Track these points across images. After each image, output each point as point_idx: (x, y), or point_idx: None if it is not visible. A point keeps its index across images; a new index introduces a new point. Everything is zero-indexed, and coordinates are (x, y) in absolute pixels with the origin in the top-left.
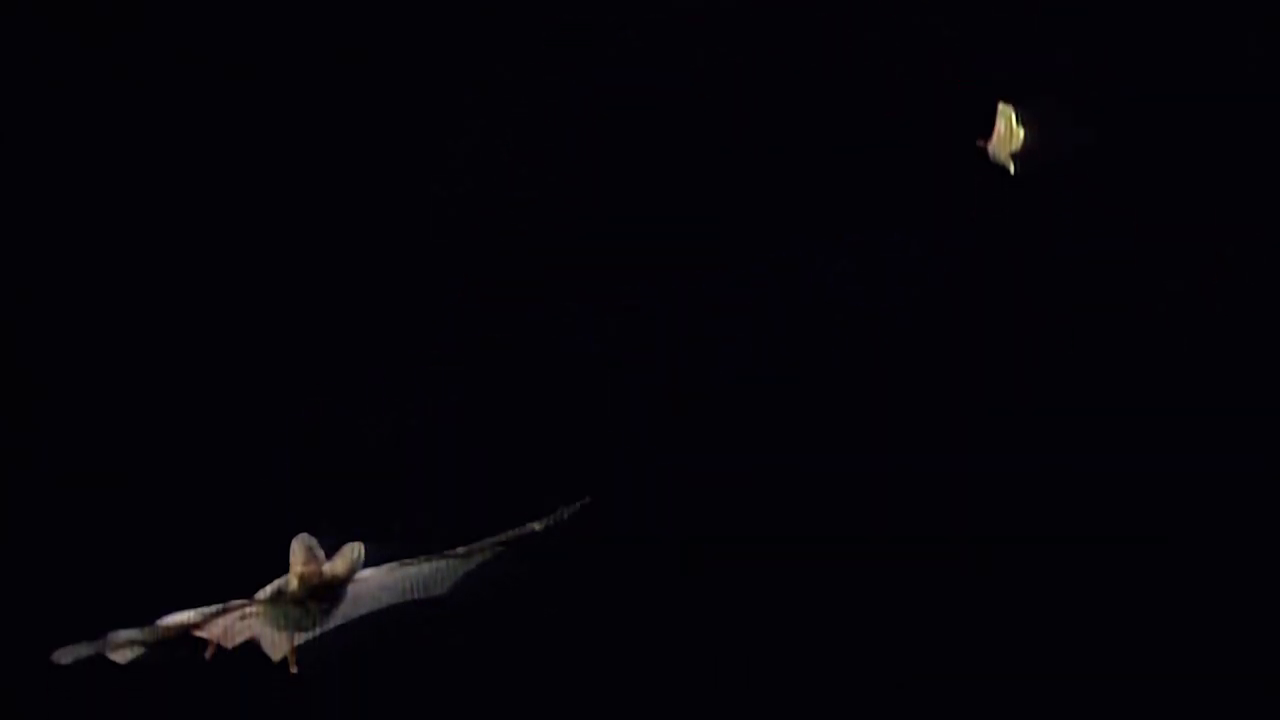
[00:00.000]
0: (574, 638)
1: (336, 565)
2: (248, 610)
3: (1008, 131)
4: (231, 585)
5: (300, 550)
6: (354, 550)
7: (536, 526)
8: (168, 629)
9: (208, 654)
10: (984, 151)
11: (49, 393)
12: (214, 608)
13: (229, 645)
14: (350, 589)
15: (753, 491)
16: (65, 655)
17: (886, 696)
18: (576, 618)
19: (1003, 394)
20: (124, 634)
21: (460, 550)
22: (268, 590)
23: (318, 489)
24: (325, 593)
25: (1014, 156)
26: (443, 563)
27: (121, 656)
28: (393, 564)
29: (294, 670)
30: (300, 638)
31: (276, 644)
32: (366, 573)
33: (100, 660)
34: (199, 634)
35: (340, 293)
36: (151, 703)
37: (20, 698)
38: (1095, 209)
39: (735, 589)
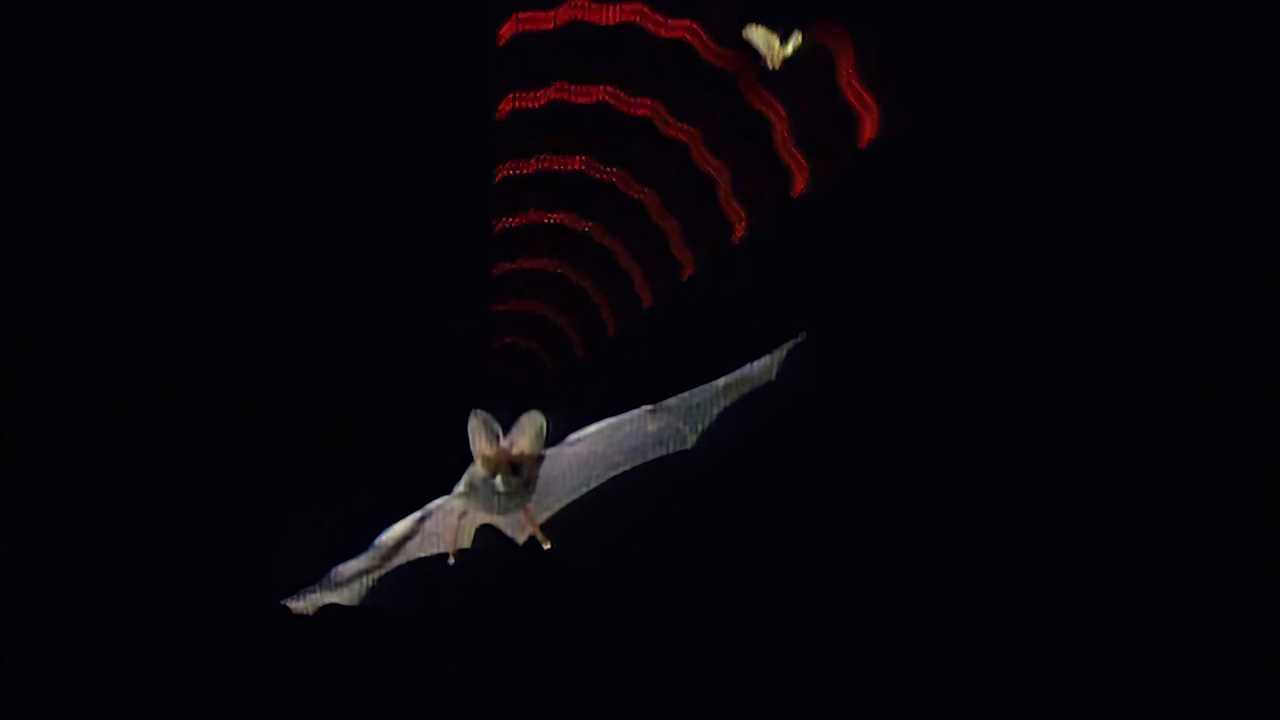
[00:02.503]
0: (572, 636)
1: (517, 439)
2: (453, 506)
3: (773, 43)
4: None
5: (479, 430)
6: (532, 420)
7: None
8: (387, 549)
9: (451, 560)
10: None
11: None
12: (418, 514)
13: (459, 545)
14: (561, 454)
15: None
16: (295, 602)
17: (885, 695)
18: (574, 616)
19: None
20: (347, 568)
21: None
22: (463, 482)
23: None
24: (518, 466)
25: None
26: (677, 412)
27: (348, 595)
28: (607, 424)
29: (547, 546)
30: (513, 514)
31: (509, 526)
32: (575, 436)
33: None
34: (417, 548)
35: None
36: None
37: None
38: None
39: (733, 587)
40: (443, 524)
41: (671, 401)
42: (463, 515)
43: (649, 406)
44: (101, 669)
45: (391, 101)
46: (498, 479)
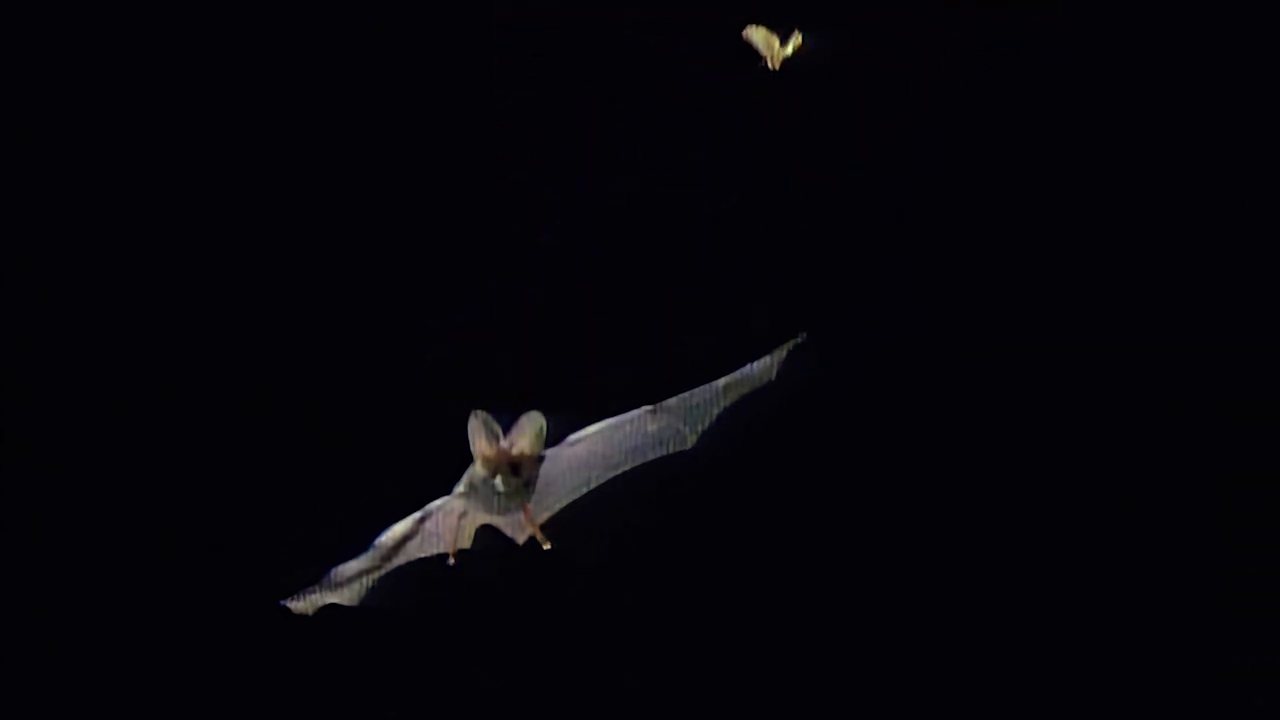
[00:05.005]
0: (572, 637)
1: (518, 440)
2: (453, 506)
3: (773, 43)
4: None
5: (479, 430)
6: (532, 420)
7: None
8: (387, 549)
9: (451, 560)
10: (768, 68)
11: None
12: (418, 515)
13: (459, 545)
14: (561, 454)
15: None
16: (295, 602)
17: (886, 695)
18: (574, 617)
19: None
20: (347, 568)
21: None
22: (463, 482)
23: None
24: (518, 467)
25: (790, 59)
26: (677, 412)
27: (348, 595)
28: (607, 424)
29: (547, 546)
30: (516, 513)
31: (509, 526)
32: (575, 437)
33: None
34: (417, 549)
35: None
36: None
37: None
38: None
39: (734, 587)
40: (443, 524)
41: (671, 401)
42: (463, 515)
43: (649, 406)
44: (101, 669)
45: (391, 95)
46: (498, 479)
